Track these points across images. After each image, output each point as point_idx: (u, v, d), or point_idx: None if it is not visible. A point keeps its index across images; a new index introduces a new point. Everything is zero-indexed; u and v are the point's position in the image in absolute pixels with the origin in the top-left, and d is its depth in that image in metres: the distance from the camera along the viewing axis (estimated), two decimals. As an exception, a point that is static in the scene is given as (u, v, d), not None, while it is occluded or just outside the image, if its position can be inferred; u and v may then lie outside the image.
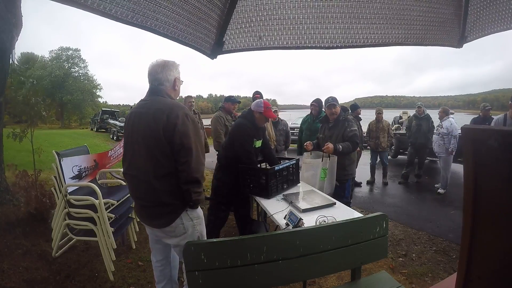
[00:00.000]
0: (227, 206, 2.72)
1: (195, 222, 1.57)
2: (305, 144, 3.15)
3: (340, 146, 2.87)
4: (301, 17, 1.38)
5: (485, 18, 1.61)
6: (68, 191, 2.32)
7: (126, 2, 0.99)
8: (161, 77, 1.53)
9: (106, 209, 2.33)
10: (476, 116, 5.29)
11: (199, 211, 1.61)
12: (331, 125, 3.09)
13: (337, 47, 1.51)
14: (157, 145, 1.42)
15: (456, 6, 1.60)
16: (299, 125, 4.96)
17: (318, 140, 3.27)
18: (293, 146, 5.68)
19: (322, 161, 3.05)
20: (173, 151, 1.42)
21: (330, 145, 2.84)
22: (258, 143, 2.62)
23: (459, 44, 1.77)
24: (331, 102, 3.06)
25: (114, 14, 0.99)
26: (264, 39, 1.44)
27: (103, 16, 0.98)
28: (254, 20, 1.37)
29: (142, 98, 1.57)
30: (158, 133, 1.40)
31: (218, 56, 1.56)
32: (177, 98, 1.62)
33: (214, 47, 1.44)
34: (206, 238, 1.68)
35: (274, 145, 4.58)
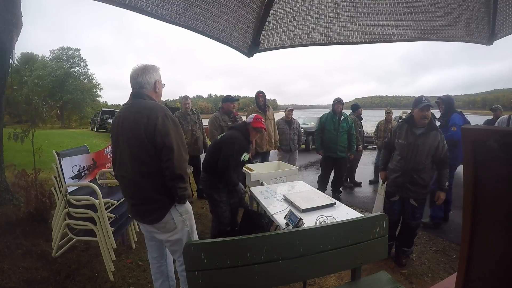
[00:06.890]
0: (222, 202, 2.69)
1: (184, 217, 1.62)
2: (380, 174, 2.85)
3: (446, 183, 2.48)
4: (331, 16, 1.48)
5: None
6: (68, 191, 2.32)
7: (170, 5, 1.12)
8: (142, 80, 1.59)
9: (106, 209, 2.33)
10: (489, 118, 5.16)
11: (188, 206, 1.66)
12: (420, 132, 2.46)
13: (365, 42, 1.58)
14: (140, 146, 1.48)
15: (484, 2, 1.63)
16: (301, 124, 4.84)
17: (390, 144, 2.69)
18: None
19: (380, 186, 2.87)
20: (156, 151, 1.48)
21: (442, 196, 2.49)
22: (246, 157, 2.66)
23: (489, 41, 1.78)
24: (427, 102, 2.40)
25: (159, 15, 1.12)
26: (298, 37, 1.53)
27: (151, 17, 1.11)
28: (288, 21, 1.47)
29: (126, 102, 1.63)
30: (140, 135, 1.46)
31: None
32: (160, 99, 1.69)
33: (251, 46, 1.52)
34: (196, 233, 1.73)
35: (277, 146, 4.54)
